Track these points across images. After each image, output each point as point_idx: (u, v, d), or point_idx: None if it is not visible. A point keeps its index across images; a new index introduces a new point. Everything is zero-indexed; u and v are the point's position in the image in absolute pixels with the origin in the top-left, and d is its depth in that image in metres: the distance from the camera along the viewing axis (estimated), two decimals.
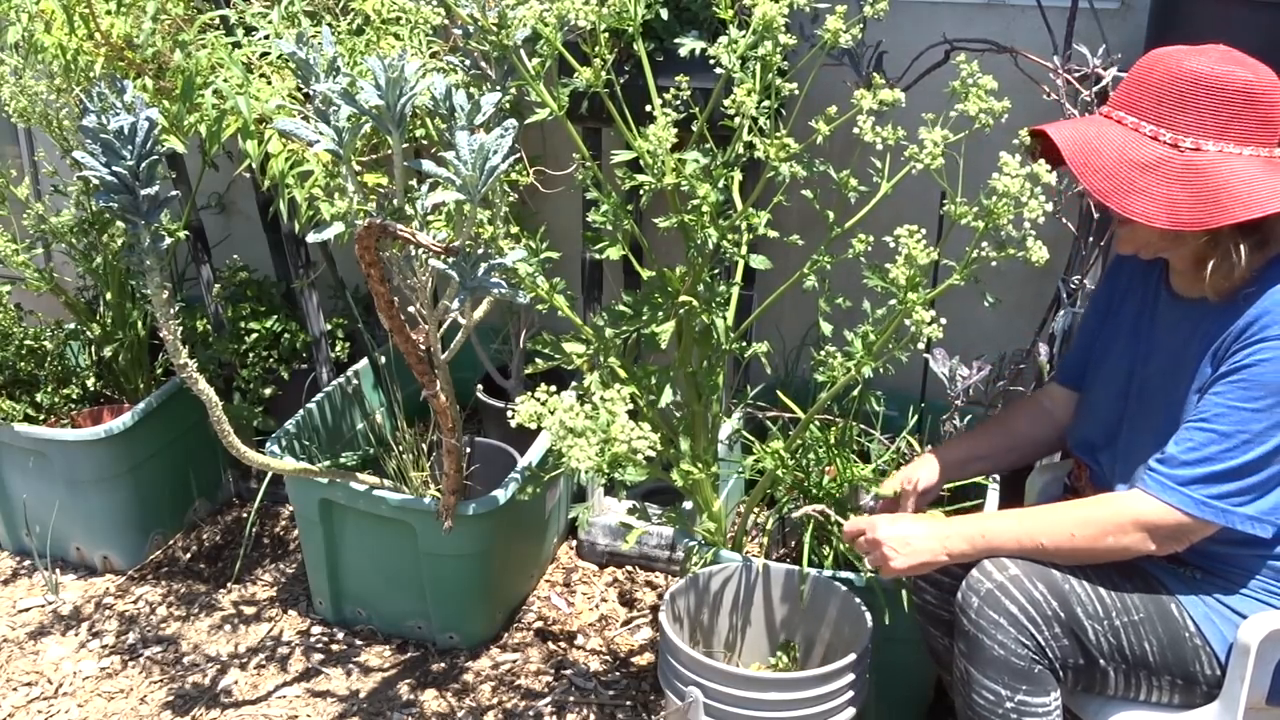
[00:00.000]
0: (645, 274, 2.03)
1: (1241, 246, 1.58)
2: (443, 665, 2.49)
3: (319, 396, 2.71)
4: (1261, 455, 1.56)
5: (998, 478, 2.36)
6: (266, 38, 2.21)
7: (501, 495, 2.37)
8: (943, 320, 1.66)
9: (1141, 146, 1.58)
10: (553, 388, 1.64)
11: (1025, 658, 1.63)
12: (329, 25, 2.26)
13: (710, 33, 2.32)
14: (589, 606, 2.69)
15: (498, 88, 2.01)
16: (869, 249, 1.82)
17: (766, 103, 1.81)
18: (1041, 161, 1.59)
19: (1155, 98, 1.58)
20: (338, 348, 3.01)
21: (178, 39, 2.23)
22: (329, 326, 2.96)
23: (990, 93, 1.67)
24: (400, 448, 2.53)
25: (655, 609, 2.66)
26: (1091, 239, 2.28)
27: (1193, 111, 1.55)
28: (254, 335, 2.95)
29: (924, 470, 1.94)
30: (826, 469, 2.26)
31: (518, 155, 2.59)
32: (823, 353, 1.85)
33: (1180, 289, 1.71)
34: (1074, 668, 1.65)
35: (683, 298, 1.94)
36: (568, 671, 2.47)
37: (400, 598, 2.53)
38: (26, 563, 2.87)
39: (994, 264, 1.64)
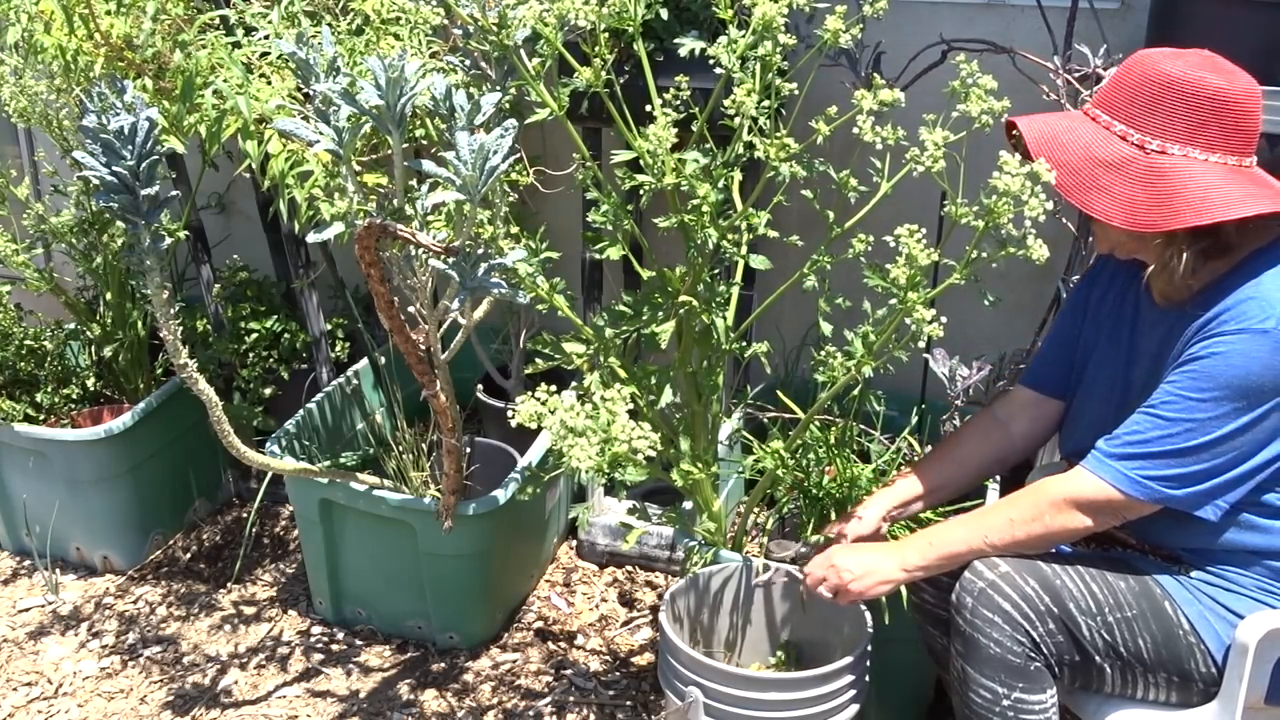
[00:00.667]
0: (645, 274, 2.03)
1: (1186, 253, 1.59)
2: (443, 665, 2.50)
3: (319, 396, 2.71)
4: (1201, 444, 1.57)
5: (999, 477, 2.36)
6: (266, 38, 2.21)
7: (501, 495, 2.37)
8: (943, 320, 1.66)
9: (1109, 145, 1.59)
10: (553, 387, 1.64)
11: (1021, 655, 1.63)
12: (329, 25, 2.26)
13: (710, 33, 2.32)
14: (589, 606, 2.69)
15: (498, 88, 2.01)
16: (869, 249, 1.82)
17: (766, 103, 1.81)
18: (1042, 160, 1.58)
19: (1128, 98, 1.59)
20: (338, 348, 3.01)
21: (178, 39, 2.24)
22: (329, 326, 2.96)
23: (990, 92, 1.67)
24: (400, 448, 2.53)
25: (655, 609, 2.66)
26: (1091, 239, 2.28)
27: (1162, 114, 1.56)
28: (254, 335, 2.95)
29: (854, 525, 1.94)
30: (826, 469, 2.26)
31: (518, 155, 2.59)
32: (823, 353, 1.85)
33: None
34: (1070, 664, 1.66)
35: (683, 298, 1.94)
36: (568, 671, 2.47)
37: (400, 598, 2.53)
38: (26, 563, 2.87)
39: (995, 264, 1.64)
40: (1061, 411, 1.93)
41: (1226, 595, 1.65)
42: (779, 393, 2.49)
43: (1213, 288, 1.61)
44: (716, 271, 2.01)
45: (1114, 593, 1.66)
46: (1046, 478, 1.70)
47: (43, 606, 2.72)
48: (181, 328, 2.29)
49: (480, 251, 1.83)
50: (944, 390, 2.41)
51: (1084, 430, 1.82)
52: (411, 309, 2.16)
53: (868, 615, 1.96)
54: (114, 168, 1.88)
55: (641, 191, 1.84)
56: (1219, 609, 1.65)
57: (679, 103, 1.88)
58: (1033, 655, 1.64)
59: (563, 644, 2.56)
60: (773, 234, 1.96)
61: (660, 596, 2.68)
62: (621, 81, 2.19)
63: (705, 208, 1.86)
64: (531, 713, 2.36)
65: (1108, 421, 1.75)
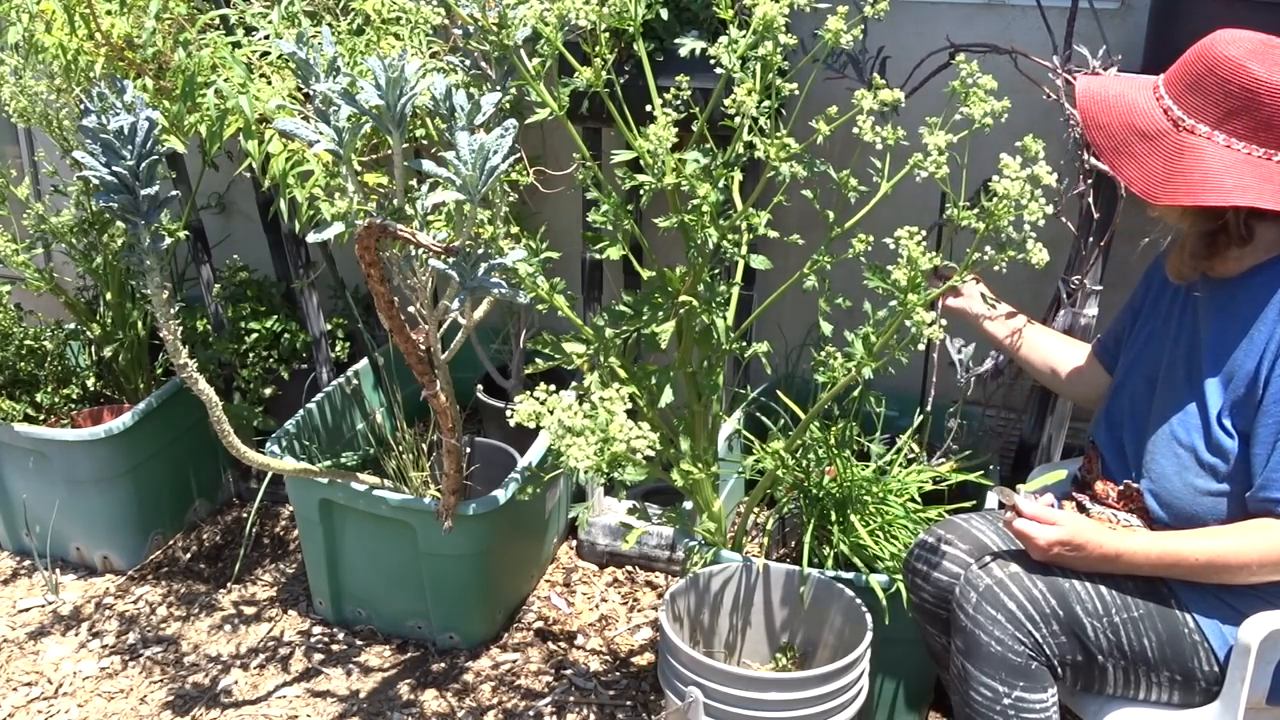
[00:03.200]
0: (645, 274, 2.03)
1: (1190, 233, 1.65)
2: (443, 665, 2.50)
3: (319, 396, 2.71)
4: None
5: (998, 477, 2.36)
6: (266, 38, 2.21)
7: (501, 495, 2.37)
8: (944, 320, 1.66)
9: (1151, 116, 1.62)
10: (552, 387, 1.64)
11: (1022, 654, 1.63)
12: (329, 25, 2.26)
13: (710, 33, 2.32)
14: (589, 606, 2.69)
15: (498, 88, 2.01)
16: (869, 249, 1.82)
17: (767, 103, 1.81)
18: (1043, 163, 1.59)
19: (1180, 74, 1.62)
20: (338, 348, 3.01)
21: (178, 39, 2.24)
22: (329, 326, 2.96)
23: (990, 93, 1.67)
24: (400, 448, 2.53)
25: (655, 609, 2.66)
26: (1091, 239, 2.28)
27: (1200, 95, 1.59)
28: (254, 335, 2.95)
29: (969, 292, 2.07)
30: (827, 469, 2.26)
31: (518, 155, 2.59)
32: (823, 353, 1.85)
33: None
34: (1072, 665, 1.66)
35: (683, 298, 1.94)
36: (568, 671, 2.47)
37: (400, 598, 2.53)
38: (26, 563, 2.87)
39: (997, 269, 1.65)
40: (1099, 389, 1.96)
41: (1232, 592, 1.65)
42: (779, 393, 2.49)
43: (1248, 275, 1.64)
44: (716, 271, 2.01)
45: (1121, 593, 1.66)
46: (1276, 522, 1.60)
47: (43, 606, 2.72)
48: (181, 328, 2.28)
49: (480, 251, 1.83)
50: (950, 386, 2.41)
51: (1123, 409, 1.83)
52: (411, 309, 2.16)
53: (868, 616, 1.96)
54: (114, 168, 1.88)
55: (641, 191, 1.83)
56: (1225, 607, 1.65)
57: (679, 103, 1.88)
58: (1034, 655, 1.64)
59: (563, 644, 2.56)
60: (773, 234, 1.96)
61: (660, 596, 2.68)
62: (622, 81, 2.19)
63: (705, 208, 1.86)
64: (531, 713, 2.36)
65: (1147, 401, 1.77)
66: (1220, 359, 1.65)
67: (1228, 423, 1.63)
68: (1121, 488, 1.78)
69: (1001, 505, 1.74)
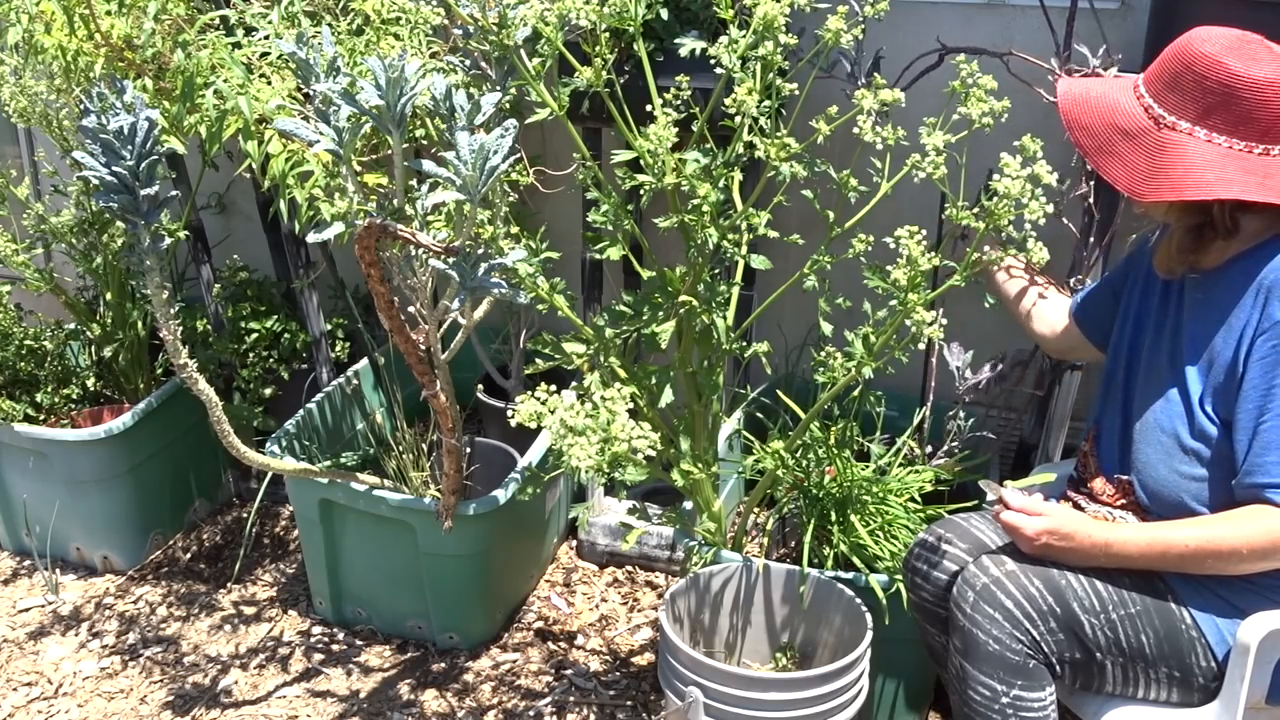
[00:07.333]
0: (645, 274, 2.03)
1: (1176, 228, 1.67)
2: (443, 665, 2.50)
3: (319, 396, 2.71)
4: None
5: (1000, 472, 2.36)
6: (266, 38, 2.21)
7: (501, 495, 2.37)
8: (944, 320, 1.66)
9: (1133, 114, 1.64)
10: (553, 387, 1.64)
11: (1020, 653, 1.63)
12: (329, 25, 2.26)
13: (710, 33, 2.32)
14: (589, 606, 2.69)
15: (498, 88, 2.01)
16: (869, 249, 1.82)
17: (767, 103, 1.81)
18: (1043, 163, 1.60)
19: (1159, 73, 1.64)
20: (338, 348, 3.01)
21: (178, 39, 2.24)
22: (329, 326, 2.96)
23: (990, 93, 1.68)
24: (400, 448, 2.53)
25: (655, 609, 2.66)
26: (1092, 240, 2.27)
27: (1179, 93, 1.61)
28: (254, 335, 2.95)
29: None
30: (827, 469, 2.27)
31: (518, 155, 2.59)
32: (823, 353, 1.85)
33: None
34: (1071, 662, 1.66)
35: (683, 298, 1.94)
36: (568, 671, 2.47)
37: (400, 598, 2.53)
38: (26, 563, 2.87)
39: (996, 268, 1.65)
40: (1074, 347, 2.02)
41: (1229, 589, 1.65)
42: (779, 393, 2.49)
43: (1206, 268, 1.66)
44: (716, 271, 2.02)
45: (1118, 590, 1.66)
46: (1265, 508, 1.59)
47: (43, 606, 2.72)
48: (181, 328, 2.28)
49: (480, 251, 1.83)
50: (945, 389, 2.41)
51: (1112, 398, 1.84)
52: (411, 309, 2.16)
53: (868, 615, 1.96)
54: (114, 168, 1.88)
55: (642, 191, 1.84)
56: (1222, 604, 1.65)
57: (679, 103, 1.88)
58: (1032, 654, 1.64)
59: (563, 644, 2.56)
60: (773, 234, 1.96)
61: (660, 596, 2.68)
62: (622, 81, 2.19)
63: (705, 208, 1.86)
64: (532, 713, 2.36)
65: (1129, 388, 1.79)
66: (1200, 346, 1.66)
67: (1209, 409, 1.64)
68: (1116, 482, 1.78)
69: (996, 501, 1.74)
